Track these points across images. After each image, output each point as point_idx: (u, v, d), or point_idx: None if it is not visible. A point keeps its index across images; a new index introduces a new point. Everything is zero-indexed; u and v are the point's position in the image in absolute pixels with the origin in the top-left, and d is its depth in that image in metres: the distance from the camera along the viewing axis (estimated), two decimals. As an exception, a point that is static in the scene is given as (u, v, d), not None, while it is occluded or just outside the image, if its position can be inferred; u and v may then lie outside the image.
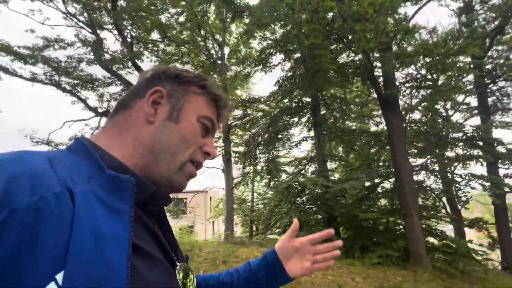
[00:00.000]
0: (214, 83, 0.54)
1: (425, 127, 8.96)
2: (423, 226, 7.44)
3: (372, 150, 10.52)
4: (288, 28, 8.71)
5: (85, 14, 9.15)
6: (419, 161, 9.25)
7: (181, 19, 10.98)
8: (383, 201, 9.33)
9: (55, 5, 8.99)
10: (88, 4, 8.62)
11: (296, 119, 10.89)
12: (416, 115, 9.77)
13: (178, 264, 0.46)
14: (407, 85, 8.02)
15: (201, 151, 0.51)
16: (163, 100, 0.48)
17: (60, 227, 0.29)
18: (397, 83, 7.61)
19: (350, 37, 6.13)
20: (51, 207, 0.30)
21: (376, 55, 6.86)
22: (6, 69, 8.09)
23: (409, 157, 7.79)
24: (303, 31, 7.27)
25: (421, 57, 6.56)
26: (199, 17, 10.80)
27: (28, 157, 0.34)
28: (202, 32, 11.37)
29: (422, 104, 8.14)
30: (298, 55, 9.42)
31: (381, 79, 7.57)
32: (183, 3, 10.18)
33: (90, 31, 9.41)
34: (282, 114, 10.35)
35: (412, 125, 8.91)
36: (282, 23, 9.17)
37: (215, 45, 12.41)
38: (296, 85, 9.44)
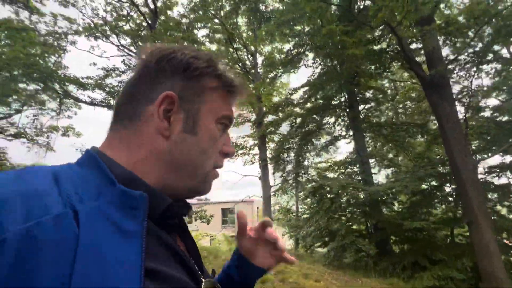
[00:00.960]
0: (226, 68, 0.46)
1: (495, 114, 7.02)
2: (503, 239, 5.66)
3: (420, 148, 8.78)
4: (312, 25, 8.15)
5: (134, 45, 10.49)
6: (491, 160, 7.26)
7: (214, 34, 11.47)
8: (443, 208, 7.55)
9: (110, 40, 10.49)
10: (135, 36, 9.96)
11: (331, 119, 9.97)
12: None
13: (203, 280, 0.43)
14: (461, 61, 6.44)
15: (220, 153, 0.47)
16: (175, 106, 0.42)
17: (60, 257, 0.26)
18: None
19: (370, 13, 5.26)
20: (48, 234, 0.26)
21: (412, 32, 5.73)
22: (77, 98, 9.67)
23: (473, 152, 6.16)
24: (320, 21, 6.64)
25: (473, 22, 5.19)
26: (230, 30, 11.08)
27: (28, 175, 0.31)
28: (235, 45, 11.62)
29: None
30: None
31: (424, 61, 6.29)
32: (216, 20, 10.61)
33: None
34: (313, 113, 9.55)
35: (475, 113, 7.11)
36: (303, 20, 8.67)
37: (248, 55, 12.58)
38: (326, 79, 8.66)
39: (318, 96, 9.69)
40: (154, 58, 0.43)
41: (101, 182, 0.34)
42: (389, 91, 10.26)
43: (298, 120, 10.21)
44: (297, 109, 10.74)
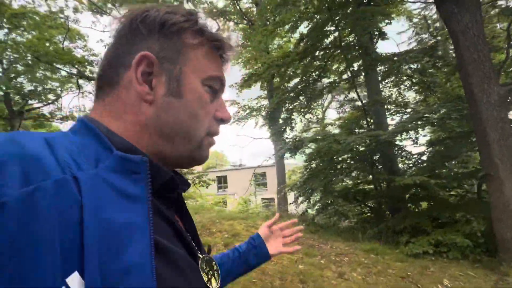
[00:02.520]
0: (210, 23, 0.41)
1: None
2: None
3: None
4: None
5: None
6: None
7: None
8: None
9: (108, 13, 10.22)
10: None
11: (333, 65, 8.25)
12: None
13: (200, 256, 0.42)
14: None
15: (214, 119, 0.43)
16: (155, 67, 0.38)
17: (65, 223, 0.25)
18: None
19: None
20: (50, 199, 0.25)
21: None
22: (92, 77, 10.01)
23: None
24: None
25: None
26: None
27: (22, 139, 0.29)
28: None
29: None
30: None
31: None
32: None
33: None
34: (311, 57, 7.95)
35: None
36: None
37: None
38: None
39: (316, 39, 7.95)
40: (127, 20, 0.39)
41: (98, 149, 0.32)
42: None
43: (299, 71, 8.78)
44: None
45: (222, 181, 23.35)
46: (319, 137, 6.44)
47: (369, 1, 6.53)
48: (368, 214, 6.63)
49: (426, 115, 5.37)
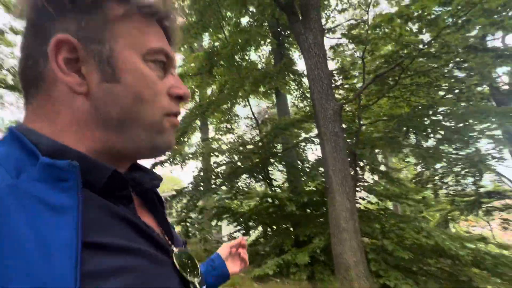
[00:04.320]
0: None
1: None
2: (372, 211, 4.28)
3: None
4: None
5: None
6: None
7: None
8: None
9: None
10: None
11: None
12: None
13: (174, 250, 0.38)
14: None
15: (170, 97, 0.37)
16: (79, 52, 0.32)
17: None
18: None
19: None
20: None
21: None
22: None
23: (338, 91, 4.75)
24: None
25: None
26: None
27: None
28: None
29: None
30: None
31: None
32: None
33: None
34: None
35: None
36: None
37: None
38: None
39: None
40: (30, 2, 0.32)
41: (21, 158, 0.29)
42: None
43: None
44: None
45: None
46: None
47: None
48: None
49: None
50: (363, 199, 5.31)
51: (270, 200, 4.72)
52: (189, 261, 0.39)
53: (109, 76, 0.32)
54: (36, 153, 0.28)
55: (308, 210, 5.23)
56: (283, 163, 6.64)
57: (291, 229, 4.77)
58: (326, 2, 6.12)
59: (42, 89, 0.32)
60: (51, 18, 0.32)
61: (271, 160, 6.43)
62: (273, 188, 6.38)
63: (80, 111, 0.32)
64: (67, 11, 0.32)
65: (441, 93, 4.79)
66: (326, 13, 6.85)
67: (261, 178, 6.54)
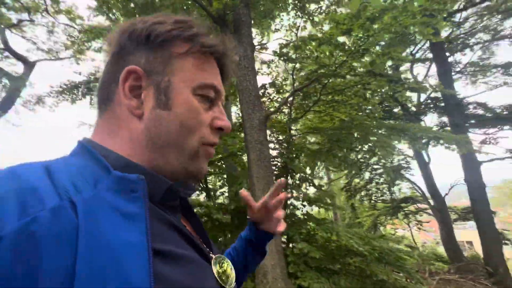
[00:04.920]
0: (201, 28, 0.40)
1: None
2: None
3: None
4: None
5: None
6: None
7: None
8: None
9: None
10: None
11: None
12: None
13: (213, 256, 0.42)
14: None
15: (211, 128, 0.42)
16: (143, 81, 0.38)
17: (60, 249, 0.25)
18: None
19: None
20: (46, 228, 0.25)
21: None
22: None
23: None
24: None
25: None
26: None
27: (21, 171, 0.29)
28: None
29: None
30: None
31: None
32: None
33: None
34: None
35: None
36: None
37: None
38: None
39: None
40: (116, 37, 0.40)
41: (96, 170, 0.32)
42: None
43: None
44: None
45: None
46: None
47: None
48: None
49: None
50: (294, 206, 5.61)
51: (199, 209, 4.63)
52: (224, 266, 0.43)
53: (163, 104, 0.37)
54: (108, 166, 0.32)
55: (238, 219, 5.29)
56: (221, 171, 6.65)
57: (219, 239, 4.73)
58: (262, 21, 6.53)
59: (111, 108, 0.39)
60: (129, 51, 0.38)
61: (209, 169, 6.37)
62: (212, 198, 6.30)
63: (135, 131, 0.37)
64: (142, 46, 0.38)
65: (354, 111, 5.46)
66: (260, 30, 7.32)
67: (199, 187, 6.41)
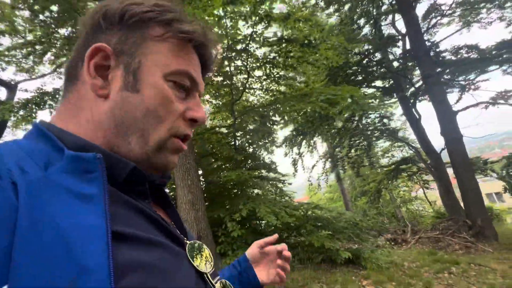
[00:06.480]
0: (181, 14, 0.38)
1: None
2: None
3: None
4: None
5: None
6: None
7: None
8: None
9: None
10: None
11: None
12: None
13: (187, 242, 0.39)
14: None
15: (184, 119, 0.38)
16: (111, 60, 0.36)
17: None
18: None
19: None
20: None
21: None
22: None
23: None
24: None
25: None
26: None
27: None
28: None
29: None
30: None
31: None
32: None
33: None
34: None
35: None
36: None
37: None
38: None
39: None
40: (89, 16, 0.37)
41: (48, 151, 0.30)
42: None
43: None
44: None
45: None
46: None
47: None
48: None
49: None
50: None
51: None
52: (200, 252, 0.40)
53: (130, 86, 0.35)
54: (61, 147, 0.30)
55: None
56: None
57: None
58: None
59: (75, 86, 0.36)
60: (100, 30, 0.36)
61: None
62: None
63: (98, 112, 0.35)
64: (115, 26, 0.36)
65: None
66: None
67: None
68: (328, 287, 3.44)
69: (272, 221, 3.63)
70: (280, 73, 5.16)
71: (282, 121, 6.83)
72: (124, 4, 0.36)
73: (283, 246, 0.63)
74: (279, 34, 4.56)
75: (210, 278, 0.39)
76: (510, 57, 6.91)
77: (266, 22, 3.78)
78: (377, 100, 8.00)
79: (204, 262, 0.39)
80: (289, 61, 4.55)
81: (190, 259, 0.37)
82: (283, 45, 4.24)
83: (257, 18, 3.73)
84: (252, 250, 0.64)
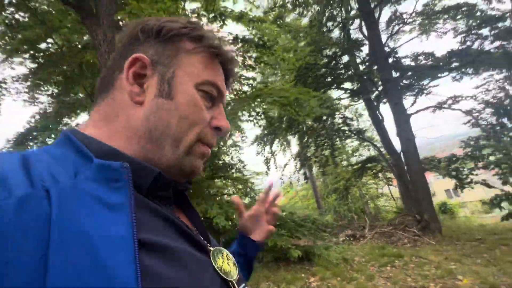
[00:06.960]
0: (210, 32, 0.42)
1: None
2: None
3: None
4: None
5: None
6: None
7: None
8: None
9: None
10: None
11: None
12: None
13: (211, 249, 0.39)
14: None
15: (210, 127, 0.41)
16: (148, 70, 0.38)
17: (28, 242, 0.23)
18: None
19: None
20: (9, 218, 0.23)
21: None
22: None
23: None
24: None
25: None
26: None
27: None
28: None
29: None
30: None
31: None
32: None
33: None
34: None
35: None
36: None
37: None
38: None
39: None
40: (127, 30, 0.41)
41: (77, 160, 0.31)
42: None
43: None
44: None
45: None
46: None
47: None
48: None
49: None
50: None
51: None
52: (227, 260, 0.40)
53: (165, 93, 0.37)
54: (90, 155, 0.30)
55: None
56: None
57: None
58: None
59: (111, 94, 0.38)
60: (138, 42, 0.39)
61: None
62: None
63: (134, 118, 0.36)
64: (152, 40, 0.39)
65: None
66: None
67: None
68: (275, 285, 3.52)
69: (221, 222, 3.61)
70: (240, 73, 5.15)
71: (249, 121, 6.84)
72: (161, 21, 0.39)
73: (260, 202, 0.69)
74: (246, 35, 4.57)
75: (236, 285, 0.40)
76: (457, 66, 7.50)
77: (220, 20, 3.74)
78: (328, 103, 8.25)
79: (229, 269, 0.40)
80: (246, 60, 4.55)
81: (216, 267, 0.37)
82: (239, 44, 4.22)
83: (211, 16, 3.68)
84: (243, 222, 0.68)
